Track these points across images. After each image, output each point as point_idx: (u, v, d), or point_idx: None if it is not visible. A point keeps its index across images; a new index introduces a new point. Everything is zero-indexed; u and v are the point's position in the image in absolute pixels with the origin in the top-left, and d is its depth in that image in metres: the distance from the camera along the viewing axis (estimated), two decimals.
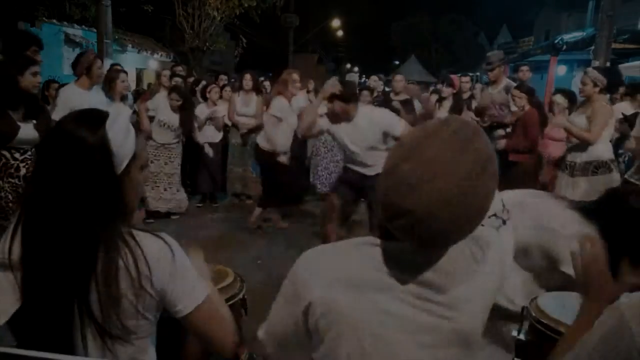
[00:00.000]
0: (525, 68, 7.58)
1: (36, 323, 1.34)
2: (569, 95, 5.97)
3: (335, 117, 4.60)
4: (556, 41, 13.95)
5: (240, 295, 2.51)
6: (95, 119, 1.39)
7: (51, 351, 1.26)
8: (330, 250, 1.35)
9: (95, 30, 10.98)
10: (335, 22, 32.89)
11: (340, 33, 36.50)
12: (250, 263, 5.10)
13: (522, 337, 2.39)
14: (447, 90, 7.50)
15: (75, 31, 13.35)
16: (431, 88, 10.58)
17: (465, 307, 1.23)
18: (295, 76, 5.89)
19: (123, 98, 6.02)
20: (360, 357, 1.20)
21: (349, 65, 42.71)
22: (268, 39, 26.99)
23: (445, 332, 1.22)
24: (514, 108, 6.55)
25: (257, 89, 7.11)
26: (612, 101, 6.92)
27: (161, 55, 18.06)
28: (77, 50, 12.58)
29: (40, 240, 1.32)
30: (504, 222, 2.04)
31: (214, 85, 7.38)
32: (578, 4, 22.69)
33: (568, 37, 13.68)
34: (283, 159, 5.71)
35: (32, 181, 1.40)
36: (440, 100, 7.58)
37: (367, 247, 1.26)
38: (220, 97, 7.62)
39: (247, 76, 7.23)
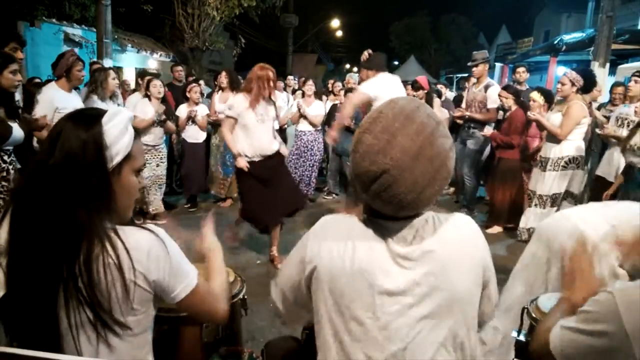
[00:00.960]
0: (521, 69, 7.59)
1: (21, 309, 1.35)
2: (545, 93, 6.26)
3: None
4: (555, 42, 13.93)
5: (241, 296, 2.52)
6: (93, 115, 1.43)
7: (37, 339, 1.30)
8: (340, 222, 1.48)
9: (94, 29, 10.98)
10: (335, 23, 32.89)
11: (339, 33, 36.50)
12: (250, 263, 5.10)
13: (522, 337, 2.40)
14: (419, 94, 7.57)
15: (75, 31, 13.33)
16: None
17: (437, 256, 1.36)
18: (271, 74, 4.81)
19: (113, 97, 5.88)
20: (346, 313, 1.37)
21: (348, 66, 42.73)
22: (267, 39, 27.01)
23: (425, 283, 1.35)
24: (490, 105, 6.62)
25: (233, 86, 6.99)
26: (612, 102, 6.94)
27: (160, 55, 18.04)
28: (77, 50, 12.60)
29: (26, 226, 1.34)
30: None
31: (194, 84, 7.32)
32: (578, 5, 22.71)
33: (567, 37, 13.62)
34: (241, 163, 4.76)
35: (25, 174, 1.42)
36: None
37: (363, 221, 1.44)
38: None
39: (223, 74, 7.28)
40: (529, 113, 5.79)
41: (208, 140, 7.43)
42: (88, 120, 1.41)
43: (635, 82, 5.67)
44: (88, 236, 1.34)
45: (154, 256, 1.40)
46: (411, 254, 1.35)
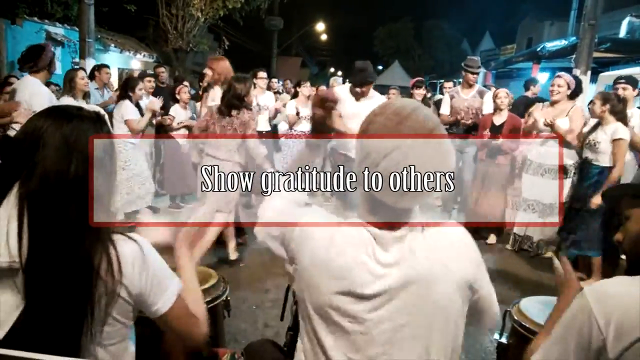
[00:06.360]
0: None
1: (41, 328, 1.27)
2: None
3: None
4: (538, 49, 14.08)
5: (224, 297, 2.51)
6: (99, 116, 1.43)
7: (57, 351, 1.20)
8: (325, 221, 1.48)
9: (77, 29, 10.88)
10: (319, 26, 32.94)
11: (324, 37, 36.59)
12: (233, 266, 5.07)
13: (503, 340, 2.42)
14: (421, 92, 7.55)
15: (57, 30, 13.19)
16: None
17: (423, 267, 1.34)
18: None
19: (85, 96, 5.80)
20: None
21: (332, 70, 42.83)
22: (252, 41, 26.98)
23: (408, 293, 1.34)
24: (486, 111, 6.60)
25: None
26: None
27: (144, 56, 17.92)
28: (59, 49, 12.46)
29: (48, 238, 1.27)
30: None
31: (182, 85, 7.27)
32: (560, 13, 22.95)
33: (550, 45, 13.76)
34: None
35: (34, 177, 1.29)
36: None
37: (351, 224, 1.43)
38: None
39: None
40: (545, 119, 5.36)
41: None
42: (99, 118, 1.42)
43: (624, 89, 5.29)
44: (93, 242, 1.31)
45: (136, 269, 1.36)
46: (396, 263, 1.33)
